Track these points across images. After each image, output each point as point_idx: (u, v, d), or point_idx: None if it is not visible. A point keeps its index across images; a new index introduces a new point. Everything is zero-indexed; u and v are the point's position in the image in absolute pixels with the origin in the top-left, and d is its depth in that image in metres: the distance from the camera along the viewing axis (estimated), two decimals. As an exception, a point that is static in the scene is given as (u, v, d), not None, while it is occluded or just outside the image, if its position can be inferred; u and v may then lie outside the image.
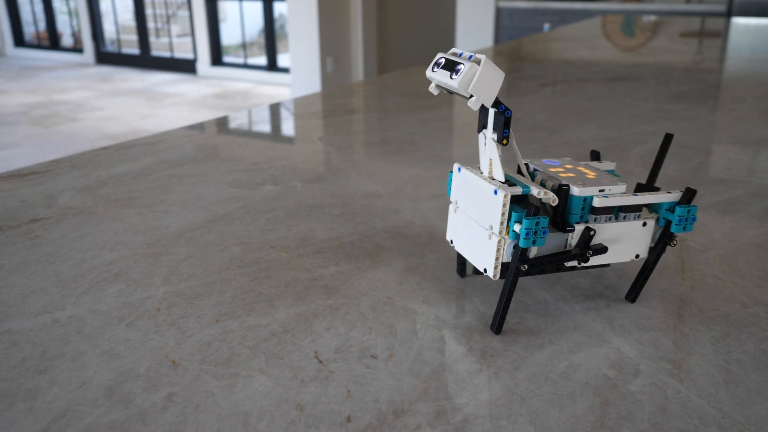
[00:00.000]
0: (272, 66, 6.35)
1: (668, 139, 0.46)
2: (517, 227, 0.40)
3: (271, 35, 6.26)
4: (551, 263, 0.42)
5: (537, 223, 0.39)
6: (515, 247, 0.41)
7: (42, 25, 8.01)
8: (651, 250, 0.46)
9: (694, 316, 0.44)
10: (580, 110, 1.08)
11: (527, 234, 0.39)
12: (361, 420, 0.34)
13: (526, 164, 0.46)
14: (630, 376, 0.38)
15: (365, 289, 0.48)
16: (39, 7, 7.97)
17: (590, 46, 1.91)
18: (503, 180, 0.42)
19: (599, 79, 1.37)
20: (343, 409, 0.35)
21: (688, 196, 0.43)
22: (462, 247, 0.45)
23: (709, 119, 1.01)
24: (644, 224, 0.44)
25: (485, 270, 0.42)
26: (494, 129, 0.41)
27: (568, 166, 0.46)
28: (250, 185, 0.71)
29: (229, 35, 6.68)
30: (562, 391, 0.36)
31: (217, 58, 6.65)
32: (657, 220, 0.45)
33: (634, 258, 0.45)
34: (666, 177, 0.74)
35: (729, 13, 3.87)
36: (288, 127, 0.99)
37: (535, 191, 0.41)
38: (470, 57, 0.39)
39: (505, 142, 0.40)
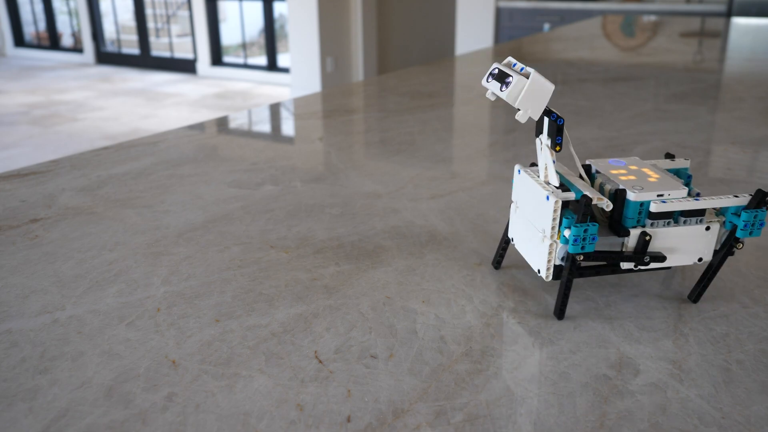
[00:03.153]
0: (272, 66, 6.35)
1: None
2: (567, 233, 0.41)
3: (271, 35, 6.26)
4: (606, 264, 0.43)
5: (585, 230, 0.40)
6: (567, 252, 0.42)
7: (42, 25, 8.01)
8: (716, 252, 0.45)
9: (694, 316, 0.44)
10: (580, 110, 1.08)
11: (575, 240, 0.40)
12: (361, 420, 0.34)
13: (588, 165, 0.46)
14: (630, 376, 0.38)
15: (365, 289, 0.48)
16: (39, 7, 7.97)
17: (590, 46, 1.91)
18: (557, 185, 0.42)
19: (599, 79, 1.37)
20: (343, 409, 0.35)
21: (758, 199, 0.42)
22: (520, 246, 0.46)
23: (709, 119, 1.01)
24: (707, 228, 0.43)
25: (539, 271, 0.44)
26: (548, 136, 0.42)
27: (633, 167, 0.46)
28: (250, 185, 0.71)
29: (229, 35, 6.68)
30: (562, 391, 0.36)
31: (217, 58, 6.65)
32: (723, 224, 0.44)
33: (696, 261, 0.44)
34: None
35: (729, 13, 3.87)
36: (288, 127, 0.99)
37: (588, 195, 0.41)
38: (522, 69, 0.40)
39: (558, 148, 0.41)
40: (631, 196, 0.42)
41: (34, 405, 0.35)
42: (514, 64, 0.41)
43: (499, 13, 4.56)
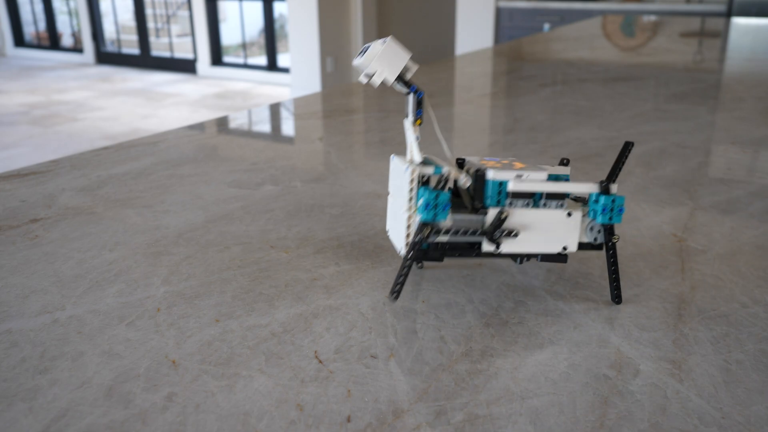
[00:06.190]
0: (272, 66, 6.35)
1: (627, 147, 0.45)
2: (420, 202, 0.41)
3: (271, 35, 6.26)
4: (469, 247, 0.43)
5: (437, 197, 0.40)
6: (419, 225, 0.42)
7: (42, 25, 8.01)
8: (606, 250, 0.45)
9: (694, 316, 0.44)
10: (580, 110, 1.08)
11: (427, 206, 0.40)
12: (361, 420, 0.34)
13: (462, 159, 0.47)
14: (630, 376, 0.38)
15: (365, 289, 0.48)
16: (39, 7, 7.97)
17: (590, 46, 1.91)
18: (420, 161, 0.43)
19: (599, 79, 1.37)
20: (343, 409, 0.35)
21: (605, 186, 0.43)
22: (393, 234, 0.46)
23: (709, 119, 1.01)
24: (569, 215, 0.43)
25: (400, 250, 0.44)
26: (412, 112, 0.43)
27: (504, 162, 0.46)
28: (250, 185, 0.71)
29: (229, 35, 6.68)
30: (562, 391, 0.36)
31: (217, 58, 6.65)
32: (587, 213, 0.44)
33: (561, 250, 0.44)
34: (665, 177, 0.74)
35: (729, 13, 3.87)
36: (288, 127, 0.99)
37: (446, 170, 0.42)
38: (382, 41, 0.42)
39: (418, 122, 0.43)
40: (490, 174, 0.43)
41: (34, 405, 0.35)
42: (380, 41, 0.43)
43: (499, 13, 4.56)
